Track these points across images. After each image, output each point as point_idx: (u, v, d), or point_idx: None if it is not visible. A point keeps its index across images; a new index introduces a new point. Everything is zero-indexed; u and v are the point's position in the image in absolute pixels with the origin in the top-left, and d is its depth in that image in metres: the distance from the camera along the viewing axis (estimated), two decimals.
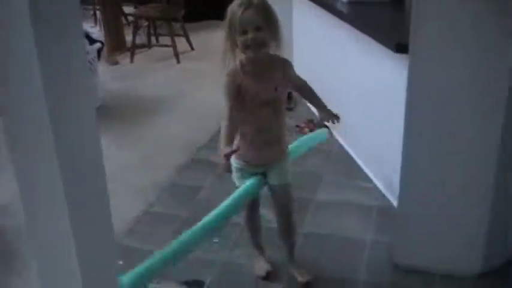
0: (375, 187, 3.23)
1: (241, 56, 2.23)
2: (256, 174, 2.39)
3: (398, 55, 2.49)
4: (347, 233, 2.85)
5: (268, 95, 2.26)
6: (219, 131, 3.98)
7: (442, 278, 2.49)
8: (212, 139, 3.94)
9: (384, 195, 3.14)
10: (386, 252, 2.65)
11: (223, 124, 2.19)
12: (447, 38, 2.13)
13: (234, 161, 2.40)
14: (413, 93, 2.28)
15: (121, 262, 2.36)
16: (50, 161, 1.92)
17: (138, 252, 2.64)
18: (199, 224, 2.16)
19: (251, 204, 2.49)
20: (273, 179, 2.39)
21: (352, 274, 2.56)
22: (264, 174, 2.40)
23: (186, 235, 2.12)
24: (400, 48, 2.39)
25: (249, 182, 2.37)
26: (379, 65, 2.99)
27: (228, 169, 2.45)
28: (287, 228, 2.51)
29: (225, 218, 2.25)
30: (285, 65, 2.31)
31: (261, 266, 2.57)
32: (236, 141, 2.23)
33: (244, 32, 2.12)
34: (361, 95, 3.37)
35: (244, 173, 2.40)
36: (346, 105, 3.60)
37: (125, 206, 3.04)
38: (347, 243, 2.77)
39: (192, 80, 5.29)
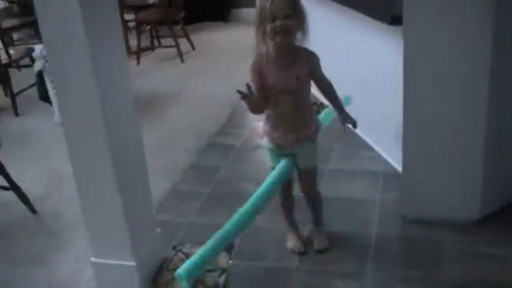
0: (379, 156, 3.52)
1: (270, 44, 2.35)
2: (287, 155, 2.56)
3: (393, 28, 2.79)
4: (357, 195, 3.15)
5: (289, 84, 2.38)
6: (229, 119, 4.33)
7: (446, 226, 2.78)
8: (224, 126, 4.27)
9: (387, 162, 3.43)
10: (395, 208, 2.94)
11: None
12: (437, 7, 2.44)
13: (267, 142, 2.60)
14: (409, 61, 2.57)
15: (159, 230, 2.68)
16: (102, 149, 2.26)
17: (169, 224, 2.97)
18: (246, 206, 2.38)
19: (285, 187, 2.66)
20: (300, 162, 2.56)
21: (365, 227, 2.85)
22: (294, 156, 2.56)
23: (235, 219, 2.36)
24: (395, 20, 2.68)
25: (282, 162, 2.53)
26: (376, 40, 3.30)
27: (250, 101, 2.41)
28: (312, 199, 2.73)
29: (268, 197, 2.45)
30: (310, 58, 2.42)
31: (295, 244, 2.75)
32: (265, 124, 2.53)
33: (274, 20, 2.25)
34: (360, 70, 3.65)
35: (277, 154, 2.57)
36: (347, 81, 3.91)
37: (152, 186, 3.33)
38: (358, 203, 3.07)
39: (197, 76, 5.60)
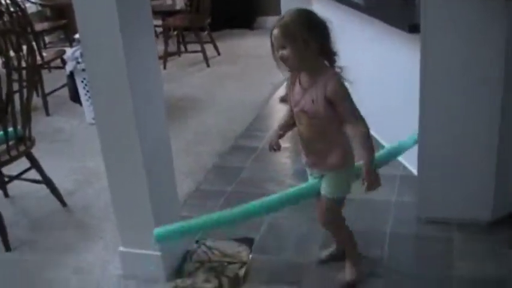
0: (397, 160, 3.62)
1: None
2: (316, 176, 2.45)
3: (411, 36, 2.91)
4: (373, 196, 3.22)
5: (306, 106, 2.26)
6: (252, 122, 4.46)
7: (459, 227, 2.87)
8: (248, 129, 4.41)
9: (404, 166, 3.53)
10: (410, 209, 3.04)
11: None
12: (453, 15, 2.55)
13: None
14: (425, 67, 2.68)
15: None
16: (133, 147, 2.41)
17: None
18: (249, 206, 2.48)
19: None
20: (322, 187, 2.41)
21: (381, 227, 2.96)
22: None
23: (234, 212, 2.48)
24: (413, 28, 2.80)
25: (308, 183, 2.51)
26: (394, 47, 3.42)
27: (276, 146, 2.56)
28: (329, 229, 2.60)
29: (270, 206, 2.50)
30: (327, 82, 2.21)
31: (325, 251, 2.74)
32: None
33: (277, 49, 2.23)
34: (377, 75, 3.77)
35: (308, 173, 2.51)
36: (364, 87, 4.02)
37: (178, 185, 3.46)
38: (374, 204, 3.16)
39: (222, 81, 5.76)
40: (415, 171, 3.25)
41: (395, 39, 3.34)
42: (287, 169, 3.75)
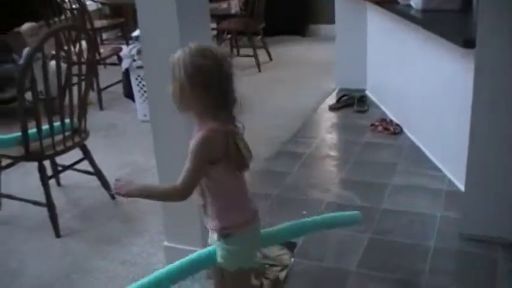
0: (444, 175, 3.60)
1: None
2: None
3: (465, 51, 2.90)
4: (419, 209, 3.24)
5: None
6: (300, 129, 4.49)
7: (503, 247, 2.84)
8: (295, 135, 4.44)
9: (451, 181, 3.51)
10: (454, 225, 3.02)
11: None
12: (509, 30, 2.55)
13: None
14: (479, 83, 2.67)
15: None
16: (184, 146, 2.47)
17: None
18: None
19: None
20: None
21: (424, 241, 2.95)
22: None
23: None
24: (468, 43, 2.78)
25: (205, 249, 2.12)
26: (447, 61, 3.40)
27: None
28: None
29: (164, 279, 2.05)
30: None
31: None
32: None
33: None
34: (429, 90, 3.77)
35: None
36: (415, 101, 4.03)
37: None
38: (419, 218, 3.16)
39: (272, 86, 5.81)
40: (461, 187, 3.23)
41: (447, 53, 3.33)
42: (333, 177, 3.76)
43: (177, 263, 2.10)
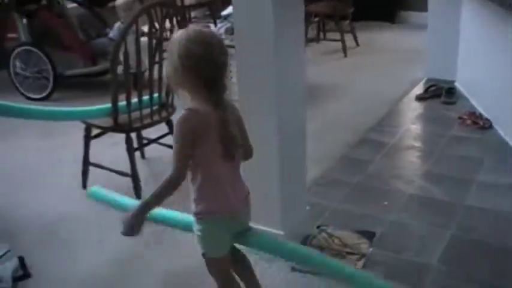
0: None
1: None
2: None
3: None
4: (506, 208, 3.12)
5: None
6: (384, 117, 4.42)
7: None
8: (379, 123, 4.36)
9: None
10: None
11: None
12: None
13: None
14: None
15: (308, 207, 2.86)
16: (271, 125, 2.47)
17: (316, 206, 3.13)
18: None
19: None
20: None
21: (508, 242, 2.84)
22: None
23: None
24: None
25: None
26: None
27: None
28: None
29: None
30: None
31: None
32: None
33: None
34: None
35: None
36: (508, 96, 3.85)
37: None
38: (505, 218, 3.04)
39: (357, 72, 5.72)
40: None
41: None
42: (417, 169, 3.67)
43: (164, 210, 2.21)
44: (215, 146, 1.89)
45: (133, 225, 1.93)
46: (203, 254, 2.08)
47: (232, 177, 2.00)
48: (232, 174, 2.00)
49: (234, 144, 1.93)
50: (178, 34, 1.89)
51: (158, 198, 1.92)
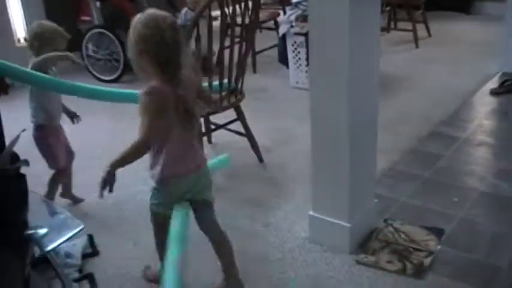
0: None
1: None
2: None
3: None
4: None
5: None
6: (456, 111, 4.29)
7: None
8: (451, 117, 4.24)
9: None
10: None
11: None
12: None
13: None
14: None
15: (376, 200, 2.80)
16: (342, 115, 2.43)
17: (383, 199, 3.06)
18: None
19: None
20: None
21: None
22: None
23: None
24: None
25: None
26: None
27: None
28: None
29: None
30: None
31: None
32: None
33: None
34: None
35: None
36: None
37: None
38: None
39: (430, 63, 5.58)
40: None
41: None
42: (490, 166, 3.54)
43: None
44: (176, 119, 2.06)
45: (107, 180, 2.04)
46: (150, 205, 2.31)
47: (191, 144, 2.19)
48: (190, 141, 2.19)
49: (192, 118, 2.12)
50: (135, 18, 2.03)
51: (123, 160, 2.05)
